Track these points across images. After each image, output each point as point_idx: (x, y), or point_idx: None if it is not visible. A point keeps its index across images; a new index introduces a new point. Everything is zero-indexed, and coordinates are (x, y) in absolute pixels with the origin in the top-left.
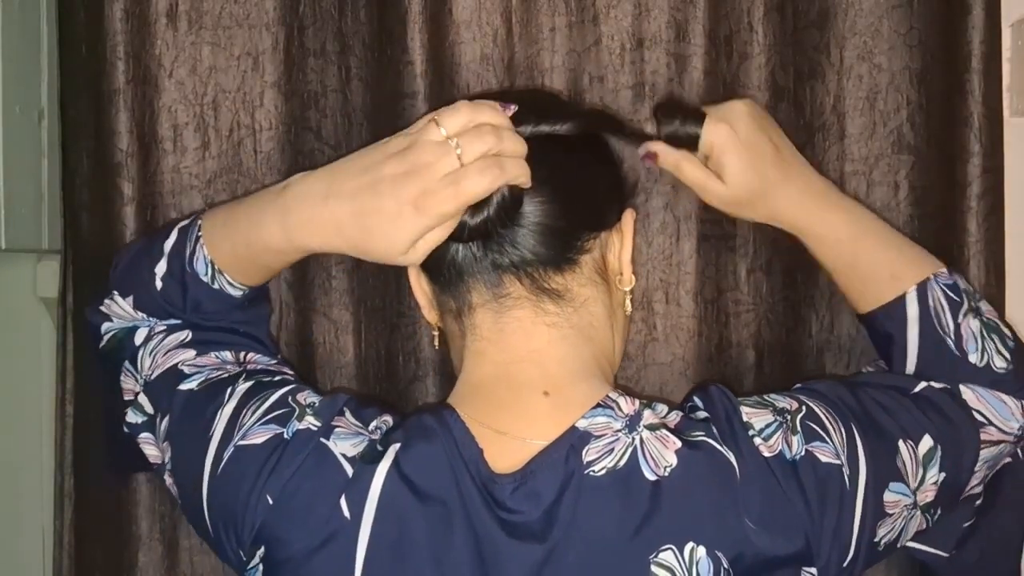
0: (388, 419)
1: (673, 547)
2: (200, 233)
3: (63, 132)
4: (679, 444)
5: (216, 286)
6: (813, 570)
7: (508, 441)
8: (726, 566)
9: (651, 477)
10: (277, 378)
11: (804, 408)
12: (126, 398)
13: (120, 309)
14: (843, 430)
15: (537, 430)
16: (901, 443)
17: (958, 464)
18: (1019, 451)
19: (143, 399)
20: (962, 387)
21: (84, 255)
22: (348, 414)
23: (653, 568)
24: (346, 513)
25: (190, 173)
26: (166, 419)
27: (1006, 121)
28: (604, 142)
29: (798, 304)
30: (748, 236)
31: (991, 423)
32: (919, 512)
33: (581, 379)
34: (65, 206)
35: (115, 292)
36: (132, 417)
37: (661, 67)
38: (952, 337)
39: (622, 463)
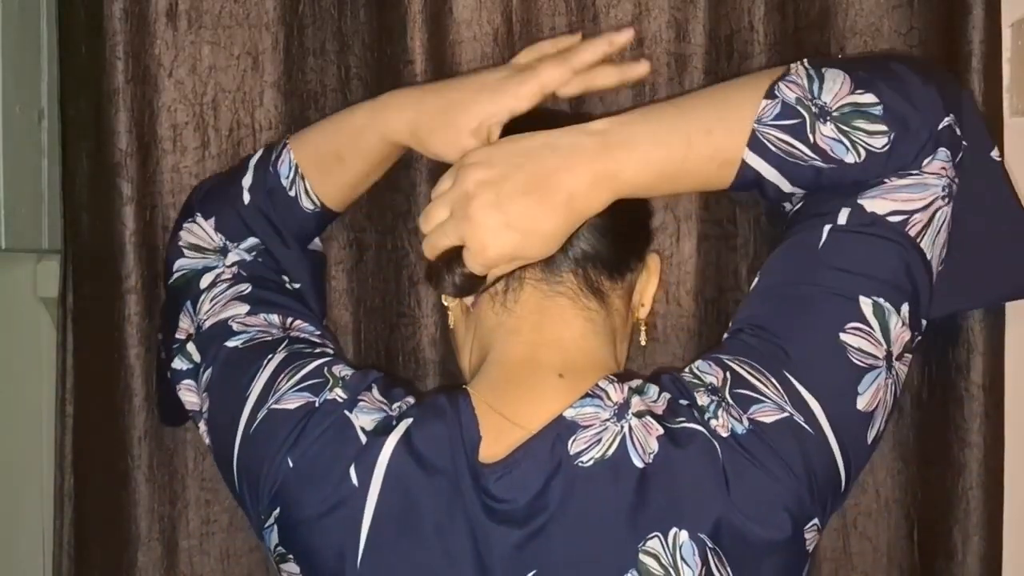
0: (411, 399)
1: (659, 534)
2: (287, 141)
3: (63, 132)
4: (661, 431)
5: (292, 193)
6: (815, 521)
7: (509, 428)
8: (711, 546)
9: (639, 465)
10: (317, 350)
11: (729, 375)
12: (178, 336)
13: (201, 231)
14: (775, 381)
15: (538, 415)
16: (843, 336)
17: (911, 286)
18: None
19: (191, 347)
20: (862, 202)
21: (84, 255)
22: (375, 390)
23: (641, 556)
24: (354, 481)
25: (190, 173)
26: (208, 370)
27: (1006, 121)
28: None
29: None
30: (748, 236)
31: (912, 212)
32: (899, 363)
33: (598, 371)
34: (65, 206)
35: (198, 214)
36: (178, 364)
37: (661, 67)
38: (817, 158)
39: (610, 452)
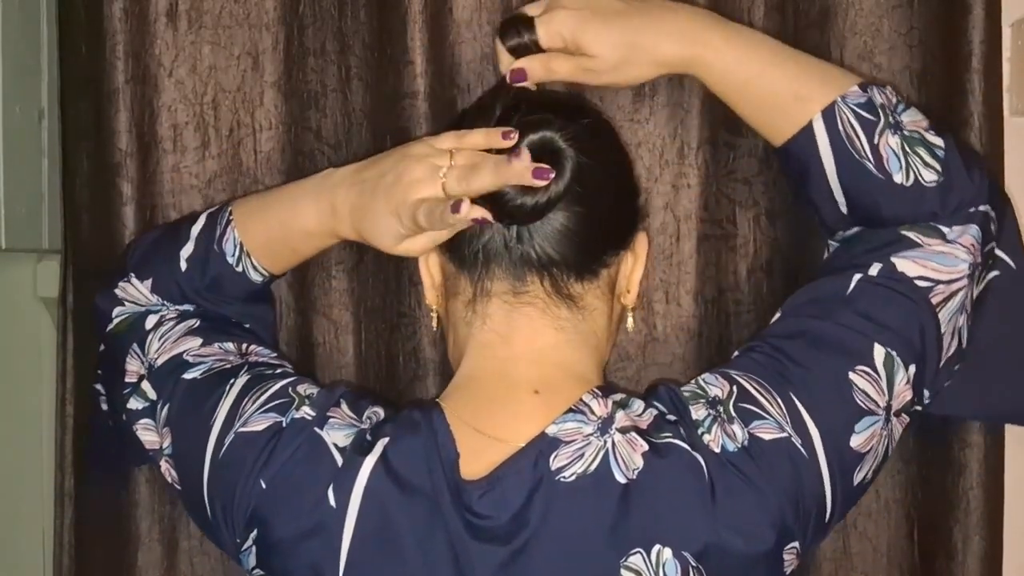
0: (379, 411)
1: (641, 550)
2: (231, 217)
3: (63, 132)
4: (646, 447)
5: (240, 268)
6: (795, 544)
7: (487, 443)
8: (695, 564)
9: (622, 480)
10: (279, 371)
11: (736, 389)
12: (128, 380)
13: (136, 292)
14: (780, 401)
15: (517, 431)
16: (852, 375)
17: (921, 349)
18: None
19: (146, 385)
20: (895, 260)
21: (84, 255)
22: (344, 405)
23: (623, 572)
24: (332, 502)
25: (190, 173)
26: (167, 406)
27: (1006, 121)
28: (631, 169)
29: None
30: (748, 236)
31: (938, 282)
32: (896, 420)
33: (574, 384)
34: (65, 206)
35: (132, 275)
36: (133, 403)
37: None
38: (871, 160)
39: (592, 468)
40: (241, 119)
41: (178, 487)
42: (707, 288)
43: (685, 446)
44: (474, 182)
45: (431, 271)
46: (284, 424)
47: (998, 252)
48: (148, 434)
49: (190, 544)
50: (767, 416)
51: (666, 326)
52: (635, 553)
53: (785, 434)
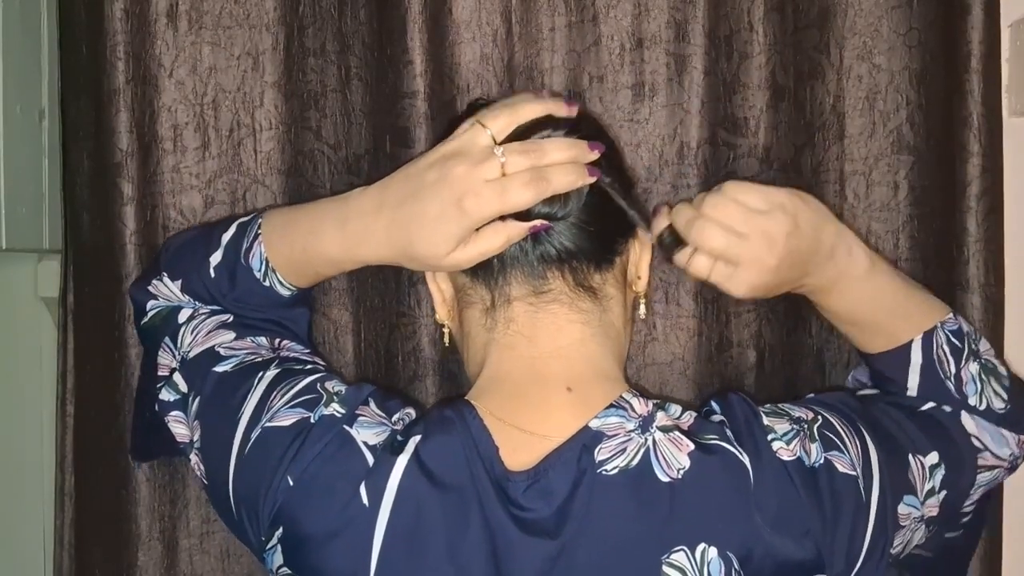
0: (411, 411)
1: (685, 548)
2: (260, 231)
3: (63, 132)
4: (692, 447)
5: (267, 283)
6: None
7: (525, 438)
8: (737, 567)
9: (664, 479)
10: (308, 366)
11: (820, 418)
12: (160, 373)
13: (167, 290)
14: (858, 442)
15: (554, 426)
16: (911, 457)
17: (958, 484)
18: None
19: (178, 377)
20: (963, 413)
21: (84, 255)
22: (372, 404)
23: (665, 568)
24: (365, 501)
25: (190, 173)
26: (198, 399)
27: (1005, 121)
28: (624, 161)
29: (798, 304)
30: None
31: (987, 449)
32: (923, 526)
33: (603, 378)
34: (65, 206)
35: (164, 274)
36: (165, 395)
37: (661, 67)
38: (953, 382)
39: (634, 463)
40: (241, 119)
41: (205, 481)
42: (707, 288)
43: (731, 448)
44: (547, 188)
45: (440, 286)
46: (313, 420)
47: None
48: (179, 427)
49: (190, 543)
50: (845, 451)
51: (666, 326)
52: (679, 550)
53: (855, 473)
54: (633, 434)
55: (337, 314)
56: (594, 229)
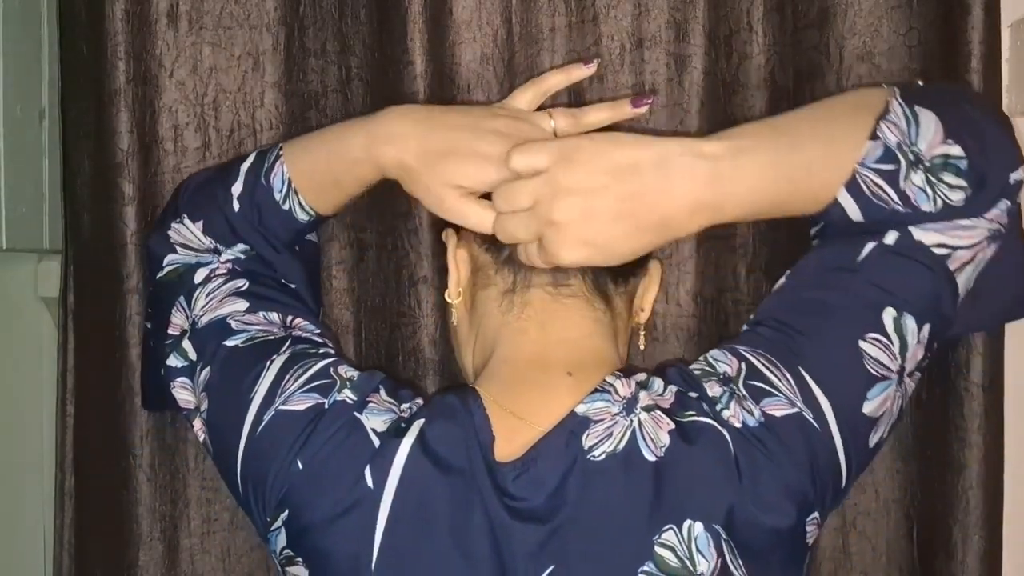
0: (420, 401)
1: (673, 526)
2: (281, 152)
3: (64, 132)
4: (671, 425)
5: (286, 206)
6: (815, 515)
7: (519, 425)
8: (725, 537)
9: (651, 458)
10: (321, 350)
11: (744, 366)
12: (171, 332)
13: (189, 233)
14: (789, 376)
15: (549, 412)
16: (862, 344)
17: (939, 308)
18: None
19: (187, 344)
20: (912, 229)
21: (85, 255)
22: (383, 392)
23: (657, 548)
24: (369, 483)
25: (191, 173)
26: (206, 370)
27: None
28: None
29: None
30: (748, 236)
31: (956, 248)
32: (909, 380)
33: (604, 368)
34: (66, 206)
35: (184, 215)
36: (173, 361)
37: (661, 67)
38: (900, 203)
39: (621, 446)
40: (242, 120)
41: (210, 450)
42: (706, 288)
43: (710, 422)
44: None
45: (459, 264)
46: (326, 406)
47: None
48: (184, 393)
49: (190, 543)
50: (777, 393)
51: (666, 326)
52: (668, 529)
53: (796, 409)
54: (618, 417)
55: (338, 314)
56: None
